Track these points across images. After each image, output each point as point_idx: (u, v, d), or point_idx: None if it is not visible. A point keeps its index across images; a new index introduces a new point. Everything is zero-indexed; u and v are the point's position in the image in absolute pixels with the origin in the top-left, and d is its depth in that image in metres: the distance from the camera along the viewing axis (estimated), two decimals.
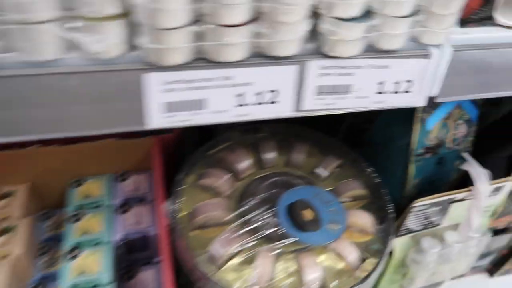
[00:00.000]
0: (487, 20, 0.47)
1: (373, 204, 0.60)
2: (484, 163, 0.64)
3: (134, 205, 0.71)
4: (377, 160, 0.66)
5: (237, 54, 0.38)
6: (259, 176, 0.60)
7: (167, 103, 0.40)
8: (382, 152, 0.65)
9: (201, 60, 0.39)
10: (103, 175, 0.73)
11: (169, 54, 0.36)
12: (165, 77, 0.38)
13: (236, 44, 0.37)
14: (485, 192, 0.56)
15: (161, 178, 0.66)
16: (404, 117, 0.59)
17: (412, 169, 0.59)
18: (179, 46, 0.36)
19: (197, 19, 0.35)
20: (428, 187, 0.65)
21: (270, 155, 0.63)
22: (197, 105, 0.41)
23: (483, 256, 0.79)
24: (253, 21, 0.36)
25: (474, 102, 0.62)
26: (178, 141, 0.76)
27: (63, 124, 0.38)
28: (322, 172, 0.62)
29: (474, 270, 0.84)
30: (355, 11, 0.39)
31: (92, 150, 0.69)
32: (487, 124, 0.68)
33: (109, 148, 0.71)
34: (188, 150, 0.68)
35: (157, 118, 0.41)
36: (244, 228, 0.54)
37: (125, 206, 0.70)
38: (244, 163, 0.61)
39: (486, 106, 0.70)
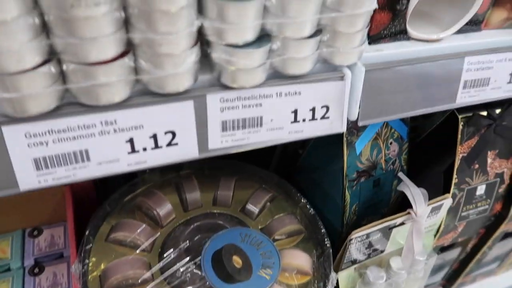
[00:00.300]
0: (401, 34, 0.45)
1: (310, 239, 0.55)
2: (421, 179, 0.61)
3: (49, 265, 0.63)
4: (314, 186, 0.62)
5: (115, 95, 0.32)
6: (182, 221, 0.54)
7: (37, 159, 0.33)
8: (318, 177, 0.61)
9: (74, 105, 0.33)
10: (10, 233, 0.65)
11: (26, 102, 0.30)
12: (29, 129, 0.32)
13: (110, 84, 0.31)
14: (424, 214, 0.53)
15: (74, 232, 0.58)
16: (334, 141, 0.55)
17: (347, 195, 0.55)
18: (36, 92, 0.29)
19: (52, 58, 0.29)
20: (370, 211, 0.61)
21: (194, 196, 0.57)
22: (77, 157, 0.34)
23: (435, 271, 0.77)
24: (125, 54, 0.31)
25: (402, 119, 0.59)
26: (96, 185, 0.69)
27: None
28: (253, 208, 0.56)
29: (429, 287, 0.81)
30: (249, 36, 0.34)
31: None
32: (422, 138, 0.66)
33: (14, 200, 0.62)
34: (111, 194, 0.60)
35: (30, 178, 0.34)
36: (165, 286, 0.47)
37: (37, 268, 0.62)
38: (165, 208, 0.54)
39: (418, 120, 0.68)
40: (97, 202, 0.62)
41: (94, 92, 0.31)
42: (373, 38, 0.43)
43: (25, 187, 0.34)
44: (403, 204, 0.60)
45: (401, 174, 0.55)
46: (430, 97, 0.47)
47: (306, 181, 0.65)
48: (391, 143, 0.56)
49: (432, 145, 0.64)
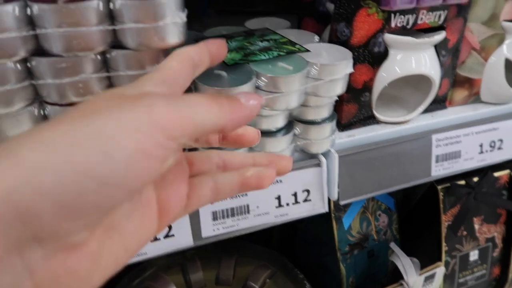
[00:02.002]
0: (369, 119, 0.50)
1: None
2: (416, 248, 0.63)
3: None
4: (312, 259, 0.65)
5: None
6: None
7: None
8: (315, 251, 0.64)
9: None
10: None
11: None
12: None
13: None
14: (417, 283, 0.54)
15: None
16: (324, 216, 0.58)
17: (342, 268, 0.57)
18: None
19: None
20: (369, 281, 0.63)
21: (198, 276, 0.60)
22: None
23: None
24: None
25: None
26: None
27: None
28: (253, 285, 0.59)
29: None
30: None
31: None
32: (410, 208, 0.68)
33: None
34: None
35: None
36: None
37: None
38: None
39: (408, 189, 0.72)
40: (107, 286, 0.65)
41: None
42: (344, 125, 0.49)
43: None
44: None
45: (392, 245, 0.58)
46: (406, 173, 0.51)
47: (305, 254, 0.67)
48: (379, 215, 0.59)
49: (420, 215, 0.66)
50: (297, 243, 0.69)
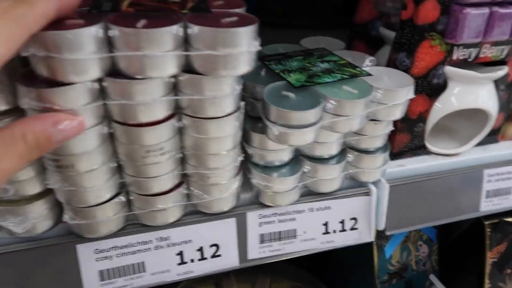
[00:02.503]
0: (420, 149, 0.49)
1: None
2: (455, 282, 0.61)
3: None
4: (345, 283, 0.64)
5: (170, 217, 0.38)
6: None
7: (102, 271, 0.38)
8: (350, 275, 0.63)
9: (134, 224, 0.39)
10: None
11: (99, 226, 0.36)
12: (97, 246, 0.38)
13: (167, 209, 0.37)
14: None
15: None
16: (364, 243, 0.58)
17: None
18: (108, 218, 0.35)
19: (122, 191, 0.36)
20: None
21: None
22: (135, 269, 0.39)
23: None
24: (180, 185, 0.37)
25: None
26: None
27: None
28: None
29: None
30: (285, 157, 0.40)
31: None
32: (451, 240, 0.67)
33: None
34: None
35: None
36: None
37: None
38: None
39: None
40: None
41: (153, 216, 0.37)
42: (395, 154, 0.48)
43: None
44: None
45: (432, 277, 0.56)
46: (454, 207, 0.50)
47: (338, 278, 0.66)
48: (420, 245, 0.58)
49: (463, 248, 0.64)
50: (331, 266, 0.68)
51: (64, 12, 0.27)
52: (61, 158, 0.31)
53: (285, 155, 0.41)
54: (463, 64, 0.44)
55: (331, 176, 0.42)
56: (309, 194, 0.44)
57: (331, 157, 0.42)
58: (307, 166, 0.41)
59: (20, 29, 0.23)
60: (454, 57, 0.43)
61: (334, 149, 0.42)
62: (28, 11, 0.24)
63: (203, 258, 0.42)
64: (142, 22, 0.28)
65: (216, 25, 0.29)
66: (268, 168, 0.40)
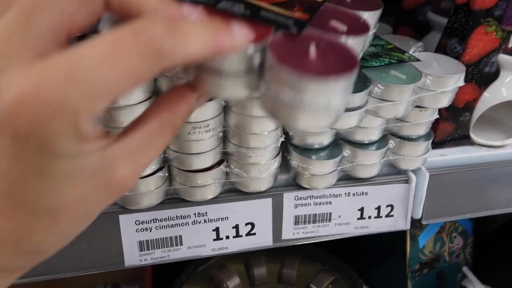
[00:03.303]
0: (463, 139, 0.48)
1: None
2: (489, 276, 0.60)
3: None
4: (374, 271, 0.64)
5: (208, 194, 0.38)
6: None
7: (142, 242, 0.40)
8: (379, 263, 0.63)
9: (174, 199, 0.39)
10: (93, 286, 0.72)
11: (141, 199, 0.37)
12: (138, 218, 0.39)
13: (206, 186, 0.37)
14: None
15: None
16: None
17: (409, 285, 0.56)
18: (149, 191, 0.36)
19: (164, 165, 0.37)
20: None
21: (261, 271, 0.61)
22: (173, 242, 0.41)
23: None
24: (221, 163, 0.37)
25: None
26: None
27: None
28: None
29: None
30: (325, 141, 0.40)
31: None
32: (488, 235, 0.65)
33: None
34: None
35: (134, 257, 0.40)
36: None
37: None
38: (234, 282, 0.59)
39: None
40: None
41: (193, 191, 0.38)
42: (437, 143, 0.47)
43: (129, 264, 0.40)
44: None
45: (465, 269, 0.55)
46: (494, 200, 0.48)
47: (366, 262, 0.66)
48: (455, 237, 0.57)
49: (500, 243, 0.63)
50: (359, 250, 0.68)
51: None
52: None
53: (325, 139, 0.40)
54: None
55: (370, 162, 0.41)
56: (347, 178, 0.43)
57: (372, 143, 0.42)
58: (346, 151, 0.41)
59: (151, 68, 0.18)
60: (510, 45, 0.41)
61: (375, 135, 0.41)
62: (174, 47, 0.18)
63: (238, 235, 0.42)
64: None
65: None
66: (307, 151, 0.40)
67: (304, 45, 0.22)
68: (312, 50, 0.22)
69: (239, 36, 0.20)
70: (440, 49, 0.43)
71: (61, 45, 0.18)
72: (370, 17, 0.30)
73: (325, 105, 0.20)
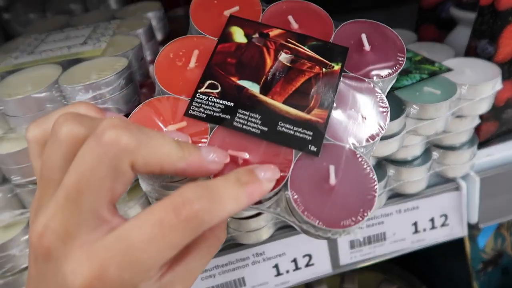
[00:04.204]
0: (509, 133, 0.46)
1: None
2: None
3: None
4: (436, 277, 0.63)
5: (263, 235, 0.40)
6: None
7: None
8: (441, 267, 0.62)
9: (231, 244, 0.41)
10: None
11: None
12: None
13: (260, 229, 0.39)
14: None
15: None
16: None
17: (476, 286, 0.55)
18: None
19: None
20: None
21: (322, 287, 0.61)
22: (236, 284, 0.42)
23: None
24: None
25: None
26: None
27: None
28: None
29: None
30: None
31: None
32: None
33: None
34: None
35: None
36: None
37: None
38: None
39: None
40: None
41: (248, 236, 0.39)
42: (482, 143, 0.46)
43: None
44: None
45: None
46: None
47: (427, 268, 0.65)
48: None
49: None
50: (419, 258, 0.67)
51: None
52: None
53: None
54: None
55: (416, 178, 0.41)
56: (396, 196, 0.43)
57: (415, 159, 0.41)
58: (391, 170, 0.41)
59: (193, 235, 0.20)
60: None
61: (418, 151, 0.41)
62: (212, 214, 0.20)
63: (297, 268, 0.43)
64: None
65: None
66: None
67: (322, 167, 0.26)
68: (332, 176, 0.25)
69: (267, 186, 0.23)
70: (471, 51, 0.42)
71: (109, 210, 0.20)
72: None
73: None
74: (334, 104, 0.28)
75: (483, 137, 0.45)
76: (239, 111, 0.27)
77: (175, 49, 0.31)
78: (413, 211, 0.44)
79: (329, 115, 0.28)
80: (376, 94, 0.29)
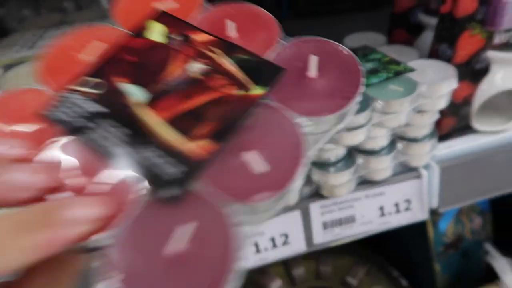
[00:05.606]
0: (467, 129, 0.52)
1: None
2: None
3: None
4: (401, 257, 0.68)
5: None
6: None
7: None
8: (407, 250, 0.67)
9: None
10: None
11: None
12: None
13: None
14: None
15: None
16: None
17: (437, 268, 0.60)
18: None
19: None
20: (462, 282, 0.65)
21: (300, 271, 0.66)
22: None
23: None
24: None
25: None
26: None
27: None
28: (352, 281, 0.64)
29: None
30: (341, 153, 0.45)
31: None
32: (508, 206, 0.69)
33: None
34: None
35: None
36: None
37: None
38: (276, 284, 0.64)
39: None
40: None
41: None
42: (443, 137, 0.51)
43: None
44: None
45: (487, 245, 0.59)
46: (504, 181, 0.52)
47: (394, 251, 0.70)
48: (475, 217, 0.61)
49: None
50: (387, 240, 0.73)
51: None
52: None
53: (340, 152, 0.45)
54: (505, 46, 0.46)
55: (383, 166, 0.46)
56: (364, 182, 0.48)
57: (382, 149, 0.46)
58: (360, 159, 0.46)
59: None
60: (496, 41, 0.45)
61: (384, 141, 0.46)
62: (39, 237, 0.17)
63: (275, 246, 0.48)
64: None
65: None
66: (324, 165, 0.45)
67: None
68: None
69: (75, 230, 0.18)
70: (433, 53, 0.47)
71: None
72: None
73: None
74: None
75: (443, 131, 0.50)
76: (108, 121, 0.22)
77: (79, 38, 0.27)
78: (380, 196, 0.49)
79: (218, 152, 0.21)
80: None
